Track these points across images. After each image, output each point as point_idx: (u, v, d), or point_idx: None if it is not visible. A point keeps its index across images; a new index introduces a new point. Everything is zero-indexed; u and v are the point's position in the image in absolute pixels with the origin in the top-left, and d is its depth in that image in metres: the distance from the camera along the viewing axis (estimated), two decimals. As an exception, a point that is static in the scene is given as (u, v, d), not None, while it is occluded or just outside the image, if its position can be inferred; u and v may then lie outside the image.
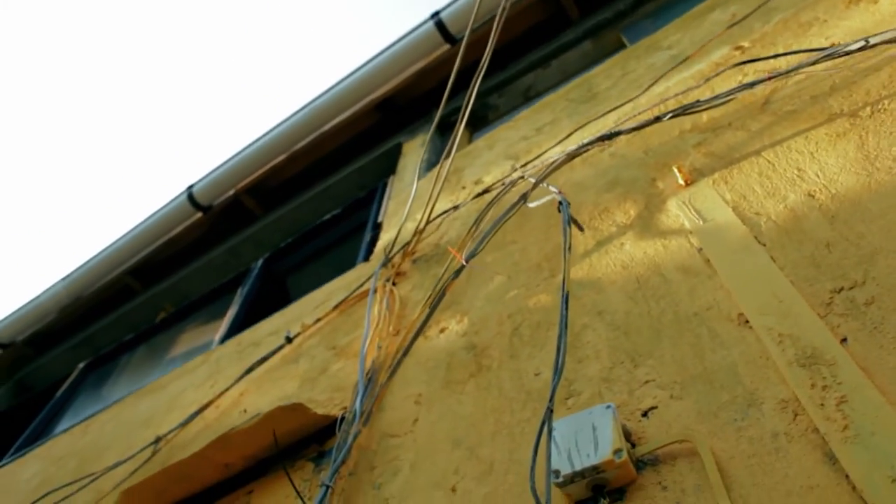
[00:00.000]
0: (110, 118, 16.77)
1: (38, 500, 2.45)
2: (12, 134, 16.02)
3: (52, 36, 15.37)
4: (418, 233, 2.33)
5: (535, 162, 2.32)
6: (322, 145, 4.31)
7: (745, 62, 1.91)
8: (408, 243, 2.40)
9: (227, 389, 2.41)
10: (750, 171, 1.69)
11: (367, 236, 3.17)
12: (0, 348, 5.03)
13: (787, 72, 1.69)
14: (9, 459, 3.56)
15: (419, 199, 2.73)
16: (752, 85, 1.73)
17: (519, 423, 1.47)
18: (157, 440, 2.37)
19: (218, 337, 3.34)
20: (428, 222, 2.34)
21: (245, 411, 2.25)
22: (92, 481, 2.41)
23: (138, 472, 2.27)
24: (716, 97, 1.79)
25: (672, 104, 2.04)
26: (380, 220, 3.24)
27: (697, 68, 2.28)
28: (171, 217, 4.54)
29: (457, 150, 2.40)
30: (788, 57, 1.84)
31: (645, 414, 1.30)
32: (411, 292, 2.24)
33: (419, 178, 2.84)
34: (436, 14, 3.84)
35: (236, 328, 3.28)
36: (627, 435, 1.25)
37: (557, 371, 1.27)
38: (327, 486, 1.55)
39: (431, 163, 3.40)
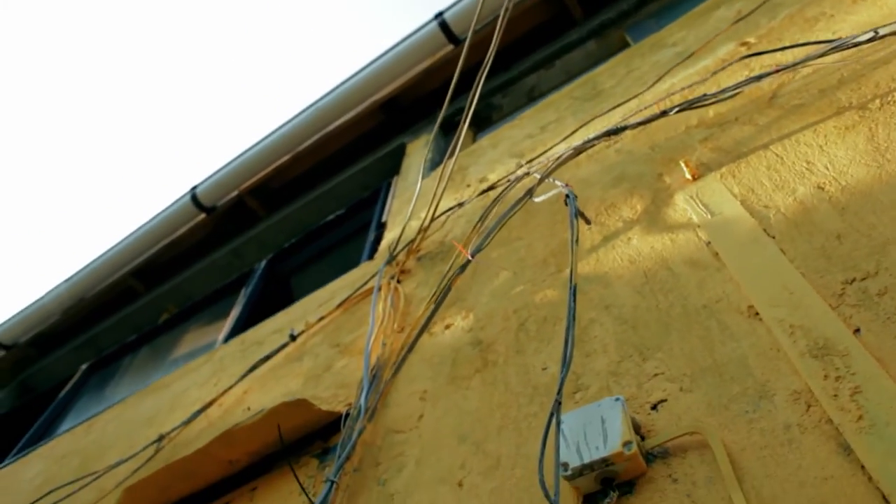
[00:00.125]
0: (115, 119, 16.81)
1: (40, 499, 2.44)
2: (16, 135, 16.07)
3: (56, 36, 15.43)
4: (423, 230, 2.32)
5: (541, 158, 2.31)
6: (326, 146, 4.31)
7: (751, 55, 1.90)
8: (412, 241, 2.39)
9: (230, 387, 2.40)
10: (758, 164, 1.68)
11: (371, 236, 3.16)
12: (3, 349, 5.03)
13: (795, 64, 1.68)
14: (11, 459, 3.55)
15: (423, 197, 2.72)
16: (759, 78, 1.72)
17: (526, 417, 1.45)
18: (160, 438, 2.36)
19: (221, 337, 3.33)
20: (432, 220, 2.32)
21: (248, 409, 2.24)
22: (94, 479, 2.40)
23: (141, 469, 2.26)
24: (723, 91, 1.78)
25: (678, 99, 2.02)
26: (384, 219, 3.23)
27: (703, 64, 2.27)
28: (174, 218, 4.54)
29: (461, 150, 2.39)
30: (796, 50, 1.83)
31: (654, 407, 1.28)
32: (416, 290, 2.23)
33: (423, 177, 2.83)
34: (439, 14, 3.84)
35: (240, 328, 3.27)
36: (637, 428, 1.23)
37: (566, 363, 1.25)
38: (332, 482, 1.53)
39: (435, 162, 3.39)
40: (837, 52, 1.61)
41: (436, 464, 1.52)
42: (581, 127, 2.37)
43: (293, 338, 2.40)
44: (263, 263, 4.00)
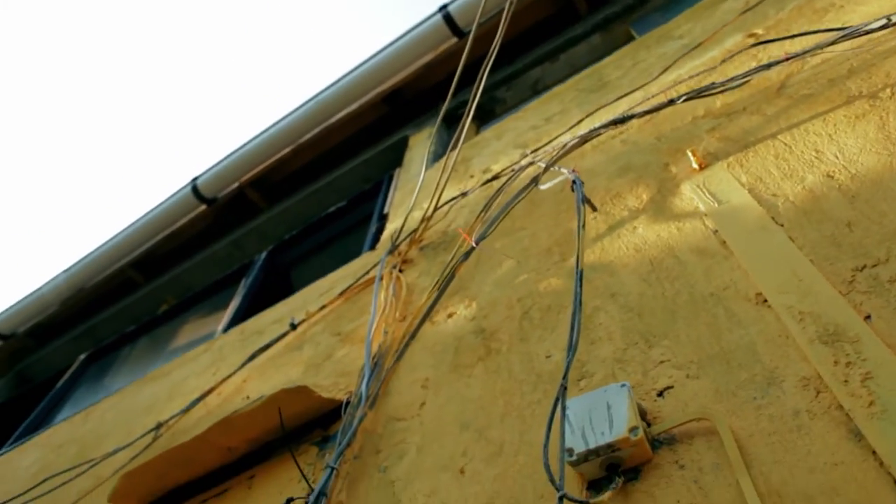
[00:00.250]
0: (116, 109, 16.76)
1: (36, 486, 2.42)
2: (17, 124, 16.04)
3: (57, 25, 15.39)
4: (426, 220, 2.30)
5: (546, 148, 2.29)
6: (328, 138, 4.29)
7: (760, 43, 1.88)
8: (415, 231, 2.37)
9: (229, 376, 2.38)
10: (766, 153, 1.66)
11: (373, 227, 3.14)
12: (1, 339, 5.01)
13: (805, 52, 1.66)
14: (7, 448, 3.53)
15: (425, 188, 2.70)
16: (769, 66, 1.70)
17: (529, 404, 1.44)
18: (159, 426, 2.34)
19: (221, 327, 3.32)
20: (436, 209, 2.31)
21: (248, 397, 2.22)
22: (91, 467, 2.38)
23: (139, 457, 2.24)
24: (731, 79, 1.76)
25: (685, 88, 2.00)
26: (386, 211, 3.21)
27: (710, 55, 2.25)
28: (175, 209, 4.52)
29: (464, 142, 2.37)
30: (806, 39, 1.81)
31: (660, 394, 1.26)
32: (418, 279, 2.21)
33: (427, 168, 2.81)
34: (444, 7, 3.81)
35: (239, 318, 3.25)
36: (642, 414, 1.21)
37: (571, 348, 1.24)
38: (332, 469, 1.52)
39: (438, 154, 3.37)
40: (848, 39, 1.59)
41: (437, 451, 1.50)
42: (586, 117, 2.35)
43: (293, 327, 2.38)
44: (264, 255, 3.98)
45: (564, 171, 1.68)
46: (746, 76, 1.75)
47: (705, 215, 1.59)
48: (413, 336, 1.86)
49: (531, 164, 2.07)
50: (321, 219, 3.92)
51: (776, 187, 1.54)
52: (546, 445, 1.14)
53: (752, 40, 2.12)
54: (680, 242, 1.58)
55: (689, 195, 1.69)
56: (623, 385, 1.22)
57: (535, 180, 1.75)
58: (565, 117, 2.61)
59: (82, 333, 4.83)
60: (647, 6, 3.47)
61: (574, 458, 1.15)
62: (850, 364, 1.07)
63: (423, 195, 2.67)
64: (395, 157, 3.89)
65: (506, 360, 1.60)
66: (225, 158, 4.41)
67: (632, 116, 1.91)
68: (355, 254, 3.01)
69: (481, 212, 2.12)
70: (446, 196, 2.50)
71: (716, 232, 1.53)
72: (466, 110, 2.29)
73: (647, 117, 2.14)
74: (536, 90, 3.76)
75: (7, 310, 5.01)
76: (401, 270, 2.29)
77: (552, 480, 1.08)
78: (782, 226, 1.42)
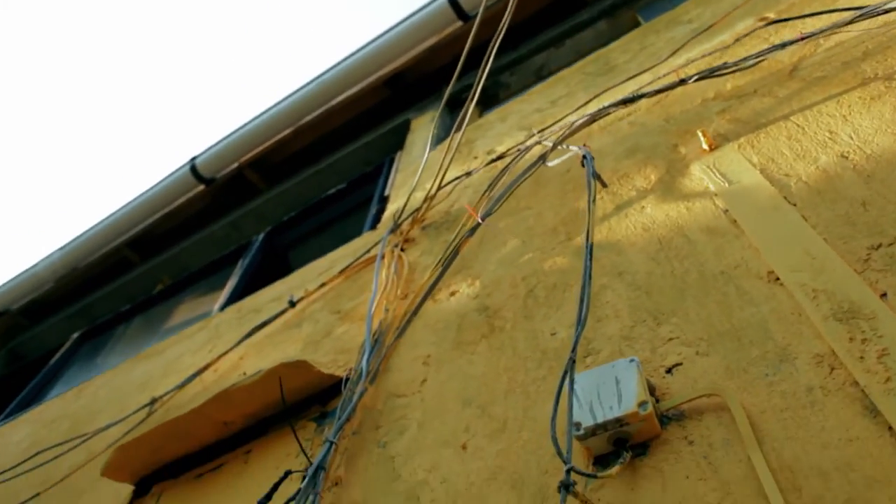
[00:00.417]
0: (116, 85, 16.61)
1: (27, 460, 2.39)
2: (13, 99, 15.89)
3: (57, 2, 15.24)
4: (429, 199, 2.27)
5: (553, 128, 2.26)
6: (329, 120, 4.25)
7: (774, 22, 1.85)
8: (417, 210, 2.35)
9: (226, 352, 2.35)
10: (778, 135, 1.64)
11: (374, 209, 3.11)
12: (-6, 316, 4.97)
13: (821, 32, 1.63)
14: (-1, 424, 3.50)
15: (428, 169, 2.67)
16: (783, 46, 1.67)
17: (534, 381, 1.41)
18: (153, 402, 2.32)
19: (217, 306, 3.28)
20: (439, 188, 2.28)
21: (244, 374, 2.19)
22: (83, 442, 2.36)
23: (132, 432, 2.22)
24: (745, 59, 1.73)
25: (696, 69, 1.98)
26: (386, 193, 3.18)
27: (720, 38, 2.23)
28: (172, 189, 4.48)
29: (468, 125, 2.34)
30: (821, 21, 1.78)
31: (669, 371, 1.24)
32: (420, 258, 2.18)
33: (430, 149, 2.78)
34: (450, -11, 3.77)
35: (236, 298, 3.22)
36: (651, 390, 1.19)
37: (581, 321, 1.21)
38: (331, 443, 1.49)
39: (440, 138, 3.33)
40: (865, 19, 1.57)
41: (439, 427, 1.48)
42: (594, 98, 2.32)
43: (292, 304, 2.35)
44: (261, 236, 3.94)
45: (573, 148, 1.66)
46: (760, 56, 1.73)
47: (715, 195, 1.57)
48: (415, 313, 1.84)
49: (537, 143, 2.04)
50: (320, 201, 3.89)
51: (788, 168, 1.51)
52: (554, 419, 1.12)
53: (764, 23, 2.09)
54: (689, 222, 1.55)
55: (699, 175, 1.67)
56: (632, 360, 1.20)
57: (543, 157, 1.72)
58: (571, 100, 2.58)
59: (76, 312, 4.80)
60: (655, -7, 3.44)
61: (581, 431, 1.13)
62: (866, 341, 1.05)
63: (426, 176, 2.63)
64: (396, 141, 3.86)
65: (510, 338, 1.58)
66: (224, 138, 4.37)
67: (642, 96, 1.88)
68: (354, 236, 2.98)
69: (486, 191, 2.09)
70: (449, 176, 2.47)
71: (726, 211, 1.50)
72: (472, 91, 2.26)
73: (656, 99, 2.11)
74: (541, 76, 3.72)
75: (0, 287, 4.97)
76: (402, 249, 2.26)
77: (559, 453, 1.06)
78: (795, 205, 1.40)
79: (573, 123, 1.91)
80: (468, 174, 2.39)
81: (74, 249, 4.76)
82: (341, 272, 2.36)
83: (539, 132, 2.19)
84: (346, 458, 1.57)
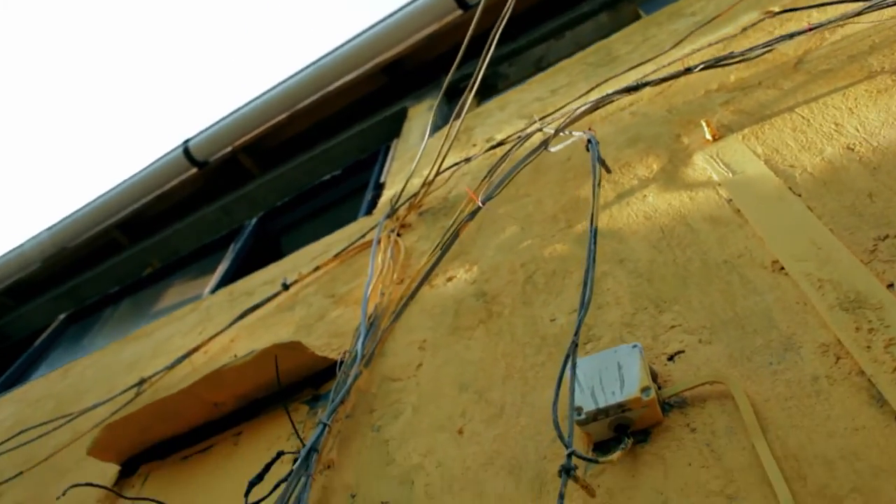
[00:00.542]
0: (110, 62, 16.40)
1: (11, 438, 2.36)
2: (5, 76, 15.67)
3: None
4: (427, 184, 2.24)
5: (554, 115, 2.24)
6: (325, 106, 4.21)
7: (782, 12, 1.83)
8: (415, 195, 2.32)
9: (217, 334, 2.32)
10: (783, 126, 1.63)
11: (369, 195, 3.08)
12: (-21, 296, 4.90)
13: (830, 23, 1.62)
14: (-18, 404, 3.45)
15: (425, 157, 2.64)
16: (791, 36, 1.66)
17: (533, 367, 1.40)
18: (141, 382, 2.28)
19: (208, 289, 3.25)
20: (438, 173, 2.25)
21: (235, 356, 2.17)
22: (69, 421, 2.32)
23: (120, 412, 2.18)
24: (752, 49, 1.72)
25: (699, 59, 1.96)
26: (382, 180, 3.15)
27: (724, 31, 2.21)
28: (164, 171, 4.42)
29: (466, 113, 2.32)
30: (830, 11, 1.77)
31: (671, 358, 1.23)
32: (417, 243, 2.16)
33: (429, 137, 2.75)
34: (452, -22, 3.74)
35: (227, 282, 3.18)
36: (653, 377, 1.17)
37: (584, 305, 1.19)
38: (325, 425, 1.47)
39: (438, 126, 3.30)
40: (874, 11, 1.55)
41: (435, 411, 1.46)
42: (595, 87, 2.30)
43: (286, 287, 2.32)
44: (254, 221, 3.90)
45: (576, 134, 1.64)
46: (768, 46, 1.71)
47: (719, 185, 1.56)
48: (411, 297, 1.82)
49: (539, 130, 2.01)
50: (314, 187, 3.85)
51: (793, 158, 1.50)
52: (556, 403, 1.10)
53: (770, 14, 2.07)
54: (692, 211, 1.54)
55: (702, 165, 1.66)
56: (634, 346, 1.18)
57: (546, 143, 1.70)
58: (572, 89, 2.56)
59: (63, 293, 4.73)
60: (657, -14, 3.42)
61: (583, 416, 1.11)
62: (873, 331, 1.04)
63: (423, 164, 2.60)
64: (393, 129, 3.83)
65: (508, 323, 1.56)
66: (219, 121, 4.32)
67: (646, 84, 1.86)
68: (348, 222, 2.95)
69: (486, 177, 2.07)
70: (447, 163, 2.45)
71: (730, 201, 1.49)
72: (473, 78, 2.24)
73: (658, 90, 2.09)
74: (540, 67, 3.69)
75: (-14, 266, 4.90)
76: (399, 234, 2.23)
77: (561, 437, 1.04)
78: (800, 196, 1.38)
79: (575, 110, 1.89)
80: (467, 160, 2.36)
81: (63, 229, 4.69)
82: (336, 256, 2.33)
83: (540, 119, 2.17)
84: (338, 441, 1.55)
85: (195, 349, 2.30)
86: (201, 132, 4.37)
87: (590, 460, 1.05)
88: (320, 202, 3.83)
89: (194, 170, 4.39)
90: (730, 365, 1.15)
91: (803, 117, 1.62)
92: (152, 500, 1.31)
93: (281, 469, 1.43)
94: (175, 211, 4.60)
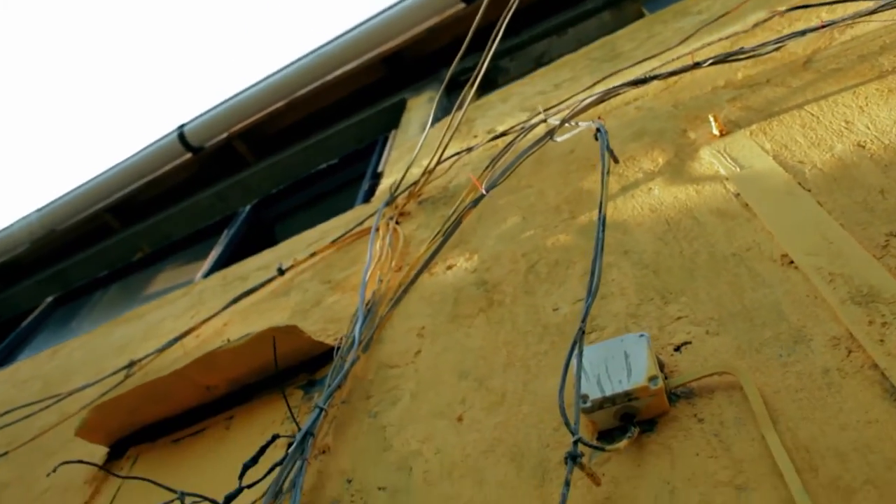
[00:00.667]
0: (106, 44, 16.23)
1: (-3, 418, 2.31)
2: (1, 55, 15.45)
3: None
4: (428, 172, 2.22)
5: (559, 106, 2.22)
6: (323, 95, 4.17)
7: (791, 10, 1.82)
8: (415, 184, 2.30)
9: (210, 318, 2.29)
10: (791, 123, 1.61)
11: (366, 184, 3.05)
12: (-35, 276, 4.83)
13: (843, 20, 1.61)
14: (-34, 384, 3.39)
15: (425, 148, 2.62)
16: (803, 33, 1.65)
17: (535, 355, 1.38)
18: (131, 364, 2.25)
19: (200, 274, 3.21)
20: (439, 162, 2.23)
21: (227, 340, 2.13)
22: (56, 402, 2.28)
23: (109, 394, 2.15)
24: (763, 45, 1.70)
25: (707, 55, 1.95)
26: (380, 170, 3.12)
27: (732, 29, 2.20)
28: (159, 155, 4.37)
29: (468, 104, 2.30)
30: (843, 9, 1.76)
31: (677, 349, 1.21)
32: (416, 231, 2.13)
33: (430, 126, 2.72)
34: (454, -30, 3.72)
35: (220, 267, 3.14)
36: (659, 367, 1.16)
37: (592, 292, 1.18)
38: (321, 409, 1.44)
39: (438, 118, 3.28)
40: (888, 9, 1.54)
41: (433, 398, 1.44)
42: (600, 81, 2.28)
43: (281, 272, 2.29)
44: (248, 208, 3.86)
45: (583, 124, 1.62)
46: (779, 42, 1.70)
47: (726, 179, 1.54)
48: (410, 284, 1.79)
49: (543, 122, 2.00)
50: (310, 175, 3.82)
51: (803, 155, 1.49)
52: (562, 390, 1.08)
53: (779, 13, 2.06)
54: (699, 204, 1.53)
55: (709, 159, 1.64)
56: (642, 335, 1.16)
57: (551, 133, 1.68)
58: (576, 84, 2.54)
59: (51, 276, 4.67)
60: (661, -14, 3.41)
61: (588, 404, 1.10)
62: (887, 324, 1.03)
63: (423, 154, 2.58)
64: (391, 120, 3.80)
65: (509, 312, 1.54)
66: (215, 107, 4.27)
67: (654, 77, 1.85)
68: (343, 211, 2.92)
69: (487, 167, 2.05)
70: (448, 153, 2.42)
71: (737, 195, 1.47)
72: (477, 70, 2.22)
73: (664, 85, 2.08)
74: (541, 63, 3.68)
75: (-27, 247, 4.83)
76: (398, 222, 2.21)
77: (567, 424, 1.02)
78: (810, 191, 1.37)
79: (581, 101, 1.88)
80: (469, 150, 2.34)
81: (53, 211, 4.63)
82: (333, 242, 2.31)
83: (545, 111, 2.15)
84: (334, 426, 1.52)
85: (187, 332, 2.27)
86: (197, 117, 4.32)
87: (596, 448, 1.03)
88: (316, 191, 3.80)
89: (189, 155, 4.34)
90: (738, 356, 1.13)
91: (812, 114, 1.61)
92: (142, 479, 1.28)
93: (274, 454, 1.40)
94: (168, 196, 4.55)
